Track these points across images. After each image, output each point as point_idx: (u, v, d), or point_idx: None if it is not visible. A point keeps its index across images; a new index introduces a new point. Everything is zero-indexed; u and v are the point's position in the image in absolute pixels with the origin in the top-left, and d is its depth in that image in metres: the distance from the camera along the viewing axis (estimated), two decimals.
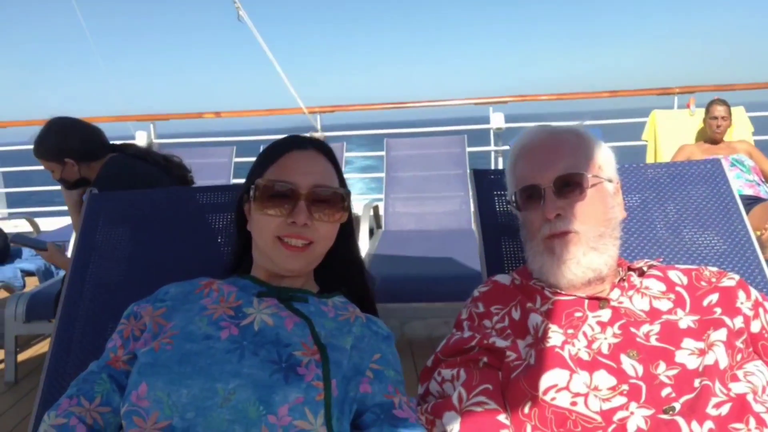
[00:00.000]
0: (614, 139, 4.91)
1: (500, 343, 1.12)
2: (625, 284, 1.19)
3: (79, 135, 2.46)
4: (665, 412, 0.96)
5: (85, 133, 2.48)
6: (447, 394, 1.09)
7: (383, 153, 4.66)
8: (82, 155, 2.45)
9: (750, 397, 0.97)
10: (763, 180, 3.83)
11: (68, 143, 2.44)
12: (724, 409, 0.95)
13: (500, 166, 5.51)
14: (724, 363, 1.01)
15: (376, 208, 4.25)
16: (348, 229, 1.19)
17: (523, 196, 1.22)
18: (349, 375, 1.03)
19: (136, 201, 1.59)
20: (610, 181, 1.22)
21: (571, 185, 1.16)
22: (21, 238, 2.53)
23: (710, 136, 4.10)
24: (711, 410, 0.94)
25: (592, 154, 1.22)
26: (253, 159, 4.03)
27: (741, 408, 0.95)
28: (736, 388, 0.98)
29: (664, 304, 1.14)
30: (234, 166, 4.65)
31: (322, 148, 1.16)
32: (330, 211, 1.11)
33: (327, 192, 1.11)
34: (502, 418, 1.01)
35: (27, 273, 3.45)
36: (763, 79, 5.49)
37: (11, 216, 5.39)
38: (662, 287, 1.17)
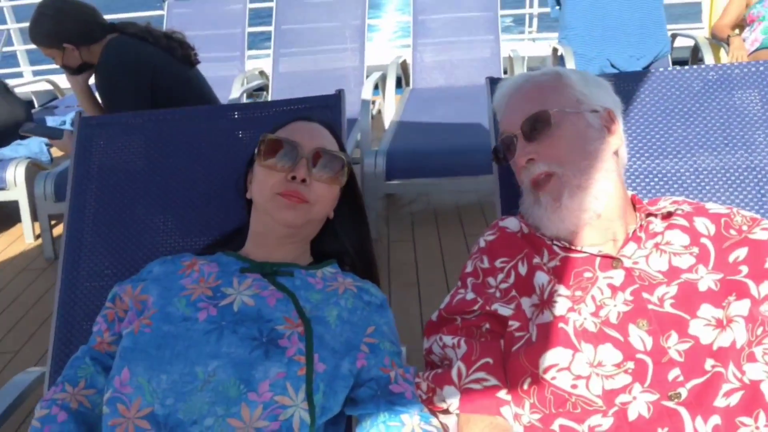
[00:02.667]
0: None
1: (503, 311, 1.06)
2: (643, 235, 1.10)
3: (74, 17, 2.31)
4: (670, 398, 0.91)
5: (79, 14, 2.32)
6: (449, 357, 1.07)
7: None
8: (80, 38, 2.32)
9: (765, 385, 0.91)
10: None
11: (63, 27, 2.29)
12: (734, 399, 0.90)
13: (535, 5, 5.07)
14: (741, 341, 0.95)
15: (404, 63, 4.03)
16: (354, 196, 1.23)
17: (503, 148, 1.18)
18: (341, 350, 1.01)
19: (133, 123, 1.49)
20: (594, 111, 1.13)
21: (538, 126, 1.11)
22: (33, 129, 2.48)
23: None
24: (720, 401, 0.90)
25: (568, 89, 1.14)
26: (270, 4, 3.78)
27: (753, 399, 0.90)
28: (752, 372, 0.92)
29: (685, 261, 1.05)
30: (249, 13, 4.39)
31: (327, 123, 1.22)
32: (329, 174, 1.14)
33: (328, 155, 1.14)
34: (502, 394, 0.99)
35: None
36: None
37: (35, 75, 5.31)
38: (685, 240, 1.08)
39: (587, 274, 1.07)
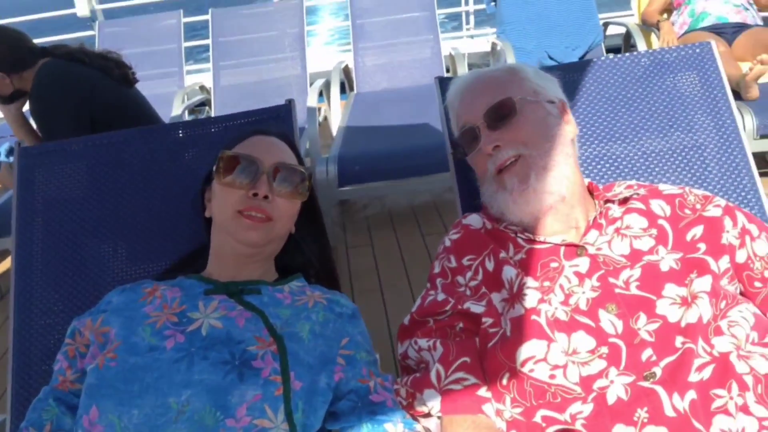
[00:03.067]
0: None
1: (475, 308, 1.07)
2: (603, 221, 1.12)
3: (2, 44, 2.21)
4: (646, 378, 0.93)
5: (8, 41, 2.22)
6: (425, 360, 1.07)
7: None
8: (11, 66, 2.22)
9: (734, 356, 0.94)
10: (751, 3, 3.59)
11: None
12: (707, 373, 0.92)
13: (470, 2, 5.15)
14: (707, 316, 0.97)
15: (346, 68, 4.02)
16: (312, 208, 1.21)
17: (464, 141, 1.19)
18: (317, 365, 1.00)
19: (75, 150, 1.44)
20: (551, 102, 1.18)
21: (502, 113, 1.14)
22: None
23: None
24: (693, 376, 0.92)
25: (524, 82, 1.18)
26: (206, 17, 3.69)
27: (724, 370, 0.92)
28: (720, 345, 0.95)
29: (645, 243, 1.08)
30: (184, 27, 4.30)
31: (284, 136, 1.20)
32: (291, 189, 1.12)
33: (289, 169, 1.12)
34: (483, 391, 0.99)
35: None
36: None
37: None
38: (644, 223, 1.10)
39: (553, 264, 1.08)
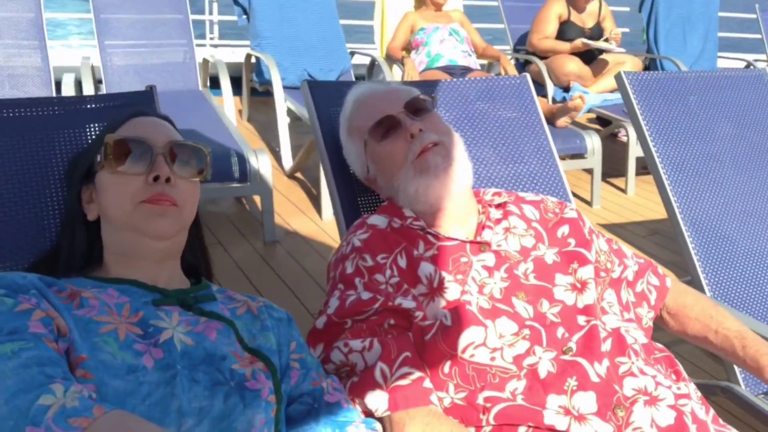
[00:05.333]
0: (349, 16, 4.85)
1: (407, 304, 1.09)
2: (491, 223, 1.24)
3: None
4: (564, 352, 1.07)
5: None
6: (352, 363, 1.06)
7: None
8: None
9: (623, 330, 1.13)
10: (472, 50, 4.23)
11: None
12: (608, 345, 1.09)
13: (215, 12, 5.07)
14: (595, 298, 1.16)
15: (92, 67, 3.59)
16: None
17: (380, 131, 1.25)
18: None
19: None
20: None
21: (420, 106, 1.26)
22: None
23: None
24: (603, 347, 1.07)
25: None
26: None
27: (619, 342, 1.10)
28: (609, 321, 1.14)
29: (528, 241, 1.23)
30: None
31: (165, 118, 1.07)
32: (192, 169, 0.99)
33: (186, 147, 0.99)
34: (427, 383, 1.03)
35: None
36: None
37: None
38: (523, 225, 1.26)
39: (463, 259, 1.17)
